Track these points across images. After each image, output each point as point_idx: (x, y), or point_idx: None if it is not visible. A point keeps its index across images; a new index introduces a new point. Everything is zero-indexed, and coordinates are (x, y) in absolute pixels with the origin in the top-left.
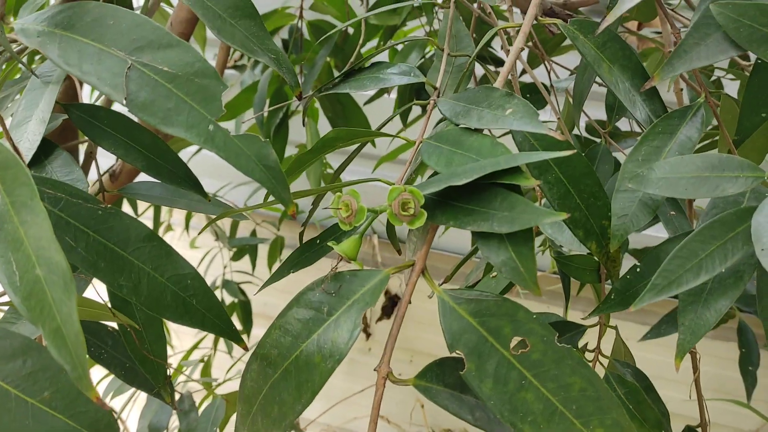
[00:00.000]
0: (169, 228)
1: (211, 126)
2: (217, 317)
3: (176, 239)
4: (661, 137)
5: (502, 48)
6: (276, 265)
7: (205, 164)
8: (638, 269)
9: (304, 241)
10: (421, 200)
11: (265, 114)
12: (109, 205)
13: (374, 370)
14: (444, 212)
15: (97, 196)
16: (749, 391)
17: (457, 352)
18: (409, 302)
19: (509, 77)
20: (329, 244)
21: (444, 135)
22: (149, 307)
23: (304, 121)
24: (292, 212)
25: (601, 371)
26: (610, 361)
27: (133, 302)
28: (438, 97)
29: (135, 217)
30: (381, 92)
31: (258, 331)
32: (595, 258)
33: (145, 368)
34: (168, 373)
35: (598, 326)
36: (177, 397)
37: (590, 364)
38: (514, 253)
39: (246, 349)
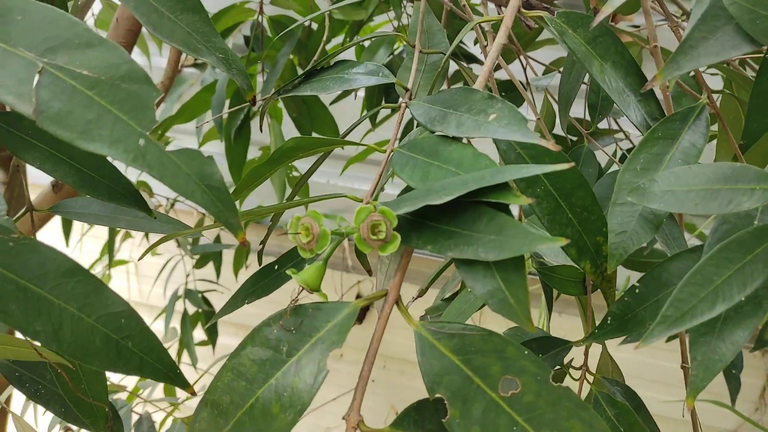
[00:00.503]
0: (127, 235)
1: (141, 140)
2: (158, 361)
3: (136, 246)
4: (662, 143)
5: (476, 43)
6: (242, 272)
7: None
8: (637, 290)
9: (261, 265)
10: (394, 222)
11: (225, 116)
12: (22, 234)
13: (343, 418)
14: (420, 235)
15: (23, 216)
16: (733, 395)
17: (439, 395)
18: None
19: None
20: (288, 272)
21: (418, 144)
22: (74, 355)
23: (261, 127)
24: (242, 240)
25: (587, 389)
26: (596, 378)
27: (54, 350)
28: (410, 99)
29: (53, 248)
30: (348, 92)
31: (226, 341)
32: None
33: (81, 411)
34: (109, 414)
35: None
36: (135, 419)
37: (576, 382)
38: (503, 282)
39: (193, 394)
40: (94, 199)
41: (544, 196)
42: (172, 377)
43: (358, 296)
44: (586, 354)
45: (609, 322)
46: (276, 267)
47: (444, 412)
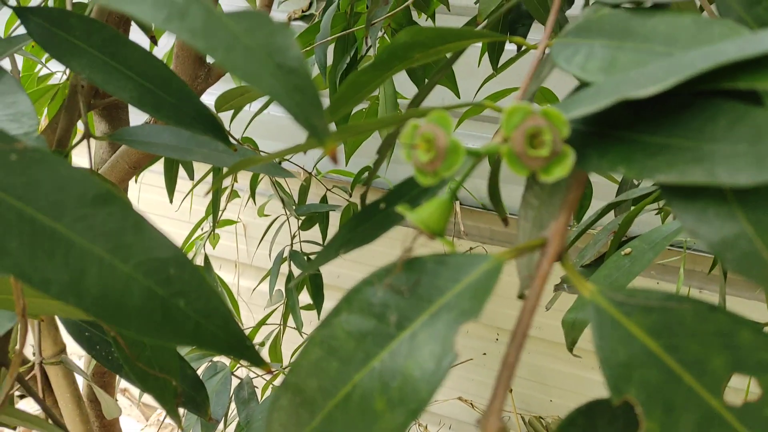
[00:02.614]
0: (234, 194)
1: None
2: (221, 328)
3: (243, 206)
4: None
5: None
6: None
7: (267, 124)
8: None
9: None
10: (564, 130)
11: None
12: (29, 146)
13: (476, 424)
14: (605, 152)
15: (79, 142)
16: None
17: (627, 397)
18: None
19: None
20: (399, 210)
21: (593, 25)
22: (102, 315)
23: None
24: (331, 152)
25: None
26: None
27: (72, 305)
28: None
29: (77, 167)
30: (471, 24)
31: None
32: None
33: (146, 386)
34: (178, 389)
35: None
36: (235, 383)
37: None
38: (753, 224)
39: (269, 371)
40: (167, 127)
41: None
42: (240, 350)
43: None
44: None
45: None
46: (382, 205)
47: (633, 424)
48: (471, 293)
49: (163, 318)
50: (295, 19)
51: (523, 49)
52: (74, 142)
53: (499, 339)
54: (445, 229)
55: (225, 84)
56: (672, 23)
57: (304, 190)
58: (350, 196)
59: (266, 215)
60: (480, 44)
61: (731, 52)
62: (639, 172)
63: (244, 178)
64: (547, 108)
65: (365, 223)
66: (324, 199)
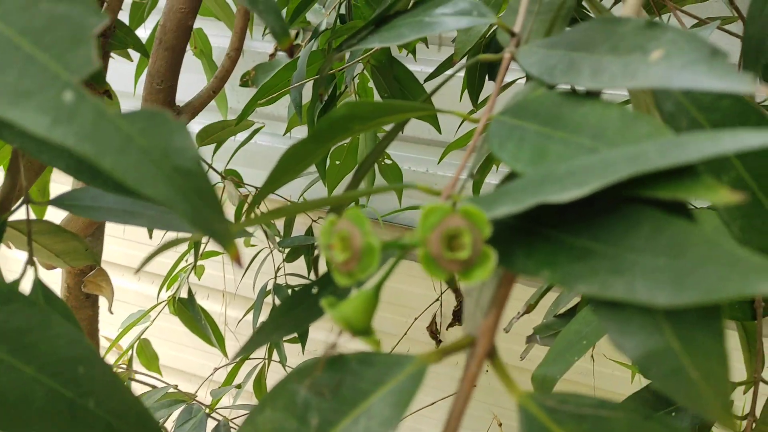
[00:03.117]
0: None
1: (68, 93)
2: (136, 426)
3: None
4: None
5: None
6: None
7: (254, 154)
8: None
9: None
10: (485, 230)
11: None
12: None
13: None
14: (531, 252)
15: (17, 208)
16: None
17: None
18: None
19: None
20: (323, 303)
21: (530, 106)
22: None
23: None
24: (234, 256)
25: None
26: None
27: None
28: (518, 46)
29: None
30: (447, 64)
31: (318, 335)
32: None
33: None
34: None
35: (752, 383)
36: (212, 425)
37: None
38: (681, 341)
39: None
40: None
41: (734, 187)
42: None
43: (457, 290)
44: (754, 399)
45: None
46: (315, 289)
47: None
48: (393, 400)
49: (72, 420)
50: (283, 51)
51: (503, 84)
52: (13, 207)
53: (489, 370)
54: (370, 326)
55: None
56: (601, 115)
57: (289, 222)
58: None
59: (253, 245)
60: (462, 75)
61: (654, 158)
62: (562, 280)
63: (229, 207)
64: (468, 207)
65: (297, 309)
66: (309, 231)
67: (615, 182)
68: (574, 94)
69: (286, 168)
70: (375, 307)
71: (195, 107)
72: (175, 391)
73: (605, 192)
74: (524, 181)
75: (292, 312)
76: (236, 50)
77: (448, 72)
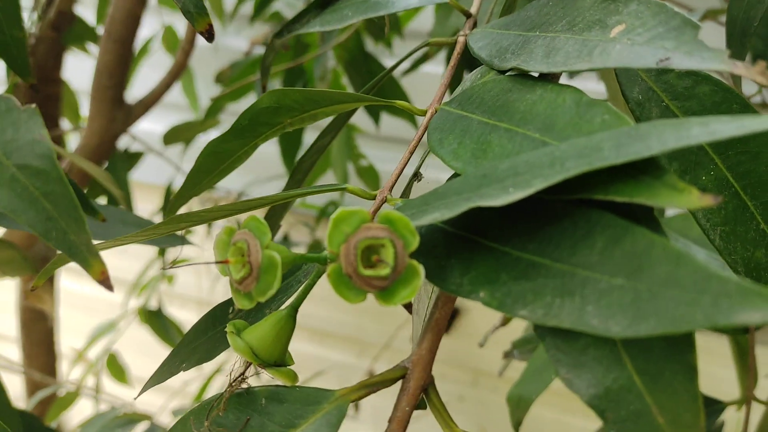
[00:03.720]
0: (187, 231)
1: None
2: None
3: (204, 238)
4: None
5: None
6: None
7: None
8: None
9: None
10: (412, 242)
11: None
12: None
13: None
14: (467, 267)
15: None
16: None
17: None
18: None
19: None
20: (227, 329)
21: (475, 94)
22: None
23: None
24: (101, 274)
25: None
26: None
27: None
28: (474, 28)
29: None
30: (424, 58)
31: (300, 346)
32: None
33: None
34: None
35: (745, 402)
36: None
37: None
38: (642, 378)
39: None
40: None
41: (714, 189)
42: None
43: None
44: (746, 418)
45: None
46: (231, 311)
47: None
48: None
49: None
50: (260, 44)
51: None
52: None
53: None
54: (282, 356)
55: (167, 109)
56: (551, 102)
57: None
58: (314, 231)
59: None
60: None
61: (608, 152)
62: (501, 303)
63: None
64: (391, 213)
65: (207, 335)
66: (286, 237)
67: (561, 181)
68: (527, 77)
69: (206, 169)
70: (289, 332)
71: (147, 103)
72: (131, 413)
73: (556, 194)
74: (462, 182)
75: (206, 335)
76: (189, 42)
77: (405, 65)
